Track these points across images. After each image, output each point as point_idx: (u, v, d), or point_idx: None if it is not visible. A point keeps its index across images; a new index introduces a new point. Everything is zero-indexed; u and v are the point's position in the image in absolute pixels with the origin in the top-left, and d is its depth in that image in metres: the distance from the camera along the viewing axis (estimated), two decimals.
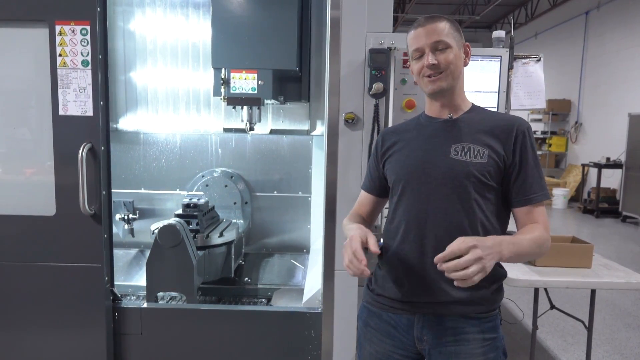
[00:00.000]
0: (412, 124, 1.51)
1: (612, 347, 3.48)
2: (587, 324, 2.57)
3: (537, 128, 11.94)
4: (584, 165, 9.70)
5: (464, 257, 1.13)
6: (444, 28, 1.38)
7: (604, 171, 8.74)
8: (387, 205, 1.56)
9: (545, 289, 2.57)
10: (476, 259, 1.13)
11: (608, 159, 8.89)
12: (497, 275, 1.40)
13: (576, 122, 10.67)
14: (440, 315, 1.38)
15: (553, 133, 11.37)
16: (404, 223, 1.41)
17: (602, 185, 8.75)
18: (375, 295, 1.49)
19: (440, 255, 1.16)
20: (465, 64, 1.43)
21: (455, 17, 12.93)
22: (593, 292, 2.51)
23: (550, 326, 3.73)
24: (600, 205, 8.67)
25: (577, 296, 4.28)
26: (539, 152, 11.65)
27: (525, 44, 13.03)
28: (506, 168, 1.36)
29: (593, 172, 9.27)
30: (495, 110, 2.02)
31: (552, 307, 2.71)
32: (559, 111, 11.11)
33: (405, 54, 1.84)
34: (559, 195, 9.61)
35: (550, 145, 11.34)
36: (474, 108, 1.46)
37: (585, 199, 9.31)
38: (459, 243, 1.15)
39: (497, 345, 1.40)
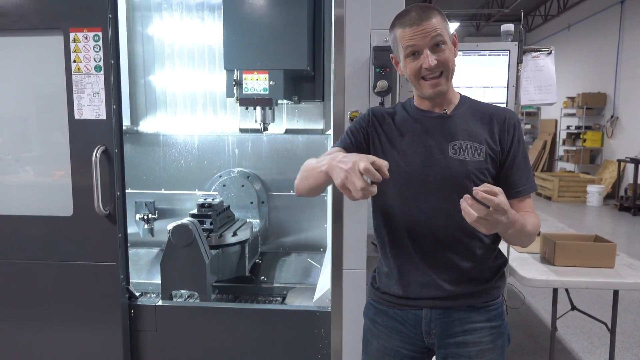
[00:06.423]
0: (402, 114, 1.44)
1: None
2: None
3: (571, 123, 11.56)
4: (620, 161, 9.32)
5: (492, 210, 1.08)
6: (438, 22, 1.29)
7: None
8: None
9: (567, 290, 2.49)
10: (496, 221, 1.10)
11: None
12: (499, 264, 1.44)
13: (612, 116, 10.26)
14: (447, 308, 1.39)
15: (587, 128, 10.97)
16: (402, 223, 1.40)
17: None
18: (380, 294, 1.50)
19: (482, 193, 1.08)
20: (455, 55, 1.37)
21: (484, 11, 12.66)
22: (616, 293, 2.43)
23: (577, 328, 3.61)
24: (637, 203, 8.32)
25: (607, 297, 4.13)
26: (572, 148, 11.30)
27: (557, 36, 12.64)
28: (500, 161, 1.37)
29: (630, 167, 8.88)
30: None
31: (573, 308, 2.63)
32: (593, 105, 10.70)
33: None
34: (594, 192, 9.27)
35: (584, 140, 10.95)
36: (464, 99, 1.44)
37: (622, 195, 8.96)
38: (502, 199, 1.09)
39: (503, 331, 1.43)
